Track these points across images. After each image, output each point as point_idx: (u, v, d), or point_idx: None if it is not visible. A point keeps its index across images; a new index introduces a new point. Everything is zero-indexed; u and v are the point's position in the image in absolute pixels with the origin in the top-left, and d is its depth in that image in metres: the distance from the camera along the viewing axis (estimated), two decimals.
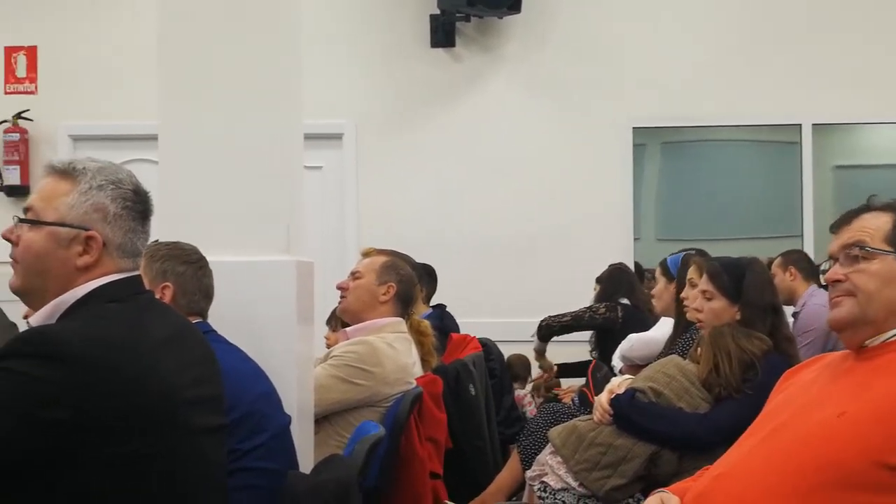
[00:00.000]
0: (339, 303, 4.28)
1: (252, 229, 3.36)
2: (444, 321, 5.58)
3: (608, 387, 3.98)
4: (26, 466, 2.00)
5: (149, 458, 2.05)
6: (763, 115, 7.54)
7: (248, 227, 3.37)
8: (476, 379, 4.85)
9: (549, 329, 6.43)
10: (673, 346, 4.61)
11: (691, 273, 4.35)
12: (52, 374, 1.97)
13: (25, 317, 3.19)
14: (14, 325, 4.06)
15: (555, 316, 6.41)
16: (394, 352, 3.94)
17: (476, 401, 4.79)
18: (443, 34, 7.50)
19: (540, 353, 6.57)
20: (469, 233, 7.48)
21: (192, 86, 3.40)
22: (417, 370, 4.13)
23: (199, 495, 2.20)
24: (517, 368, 6.58)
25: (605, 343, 6.10)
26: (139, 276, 2.29)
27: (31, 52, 7.74)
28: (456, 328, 5.77)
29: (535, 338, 6.53)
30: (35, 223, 2.20)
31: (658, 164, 7.84)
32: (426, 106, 7.59)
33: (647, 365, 4.37)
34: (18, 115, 7.60)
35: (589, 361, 6.20)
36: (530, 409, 6.23)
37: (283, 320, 3.32)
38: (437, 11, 7.44)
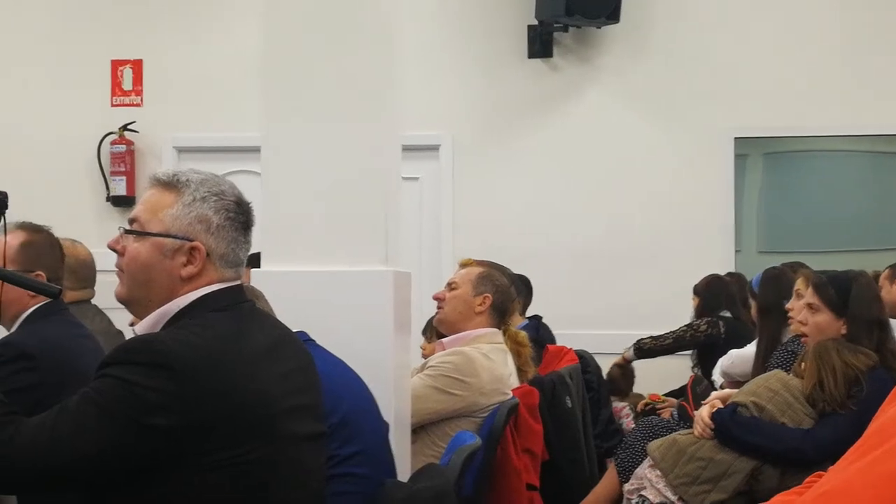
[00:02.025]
0: (436, 313, 4.29)
1: (351, 240, 3.40)
2: (540, 332, 5.57)
3: (708, 401, 3.94)
4: (128, 472, 2.04)
5: (248, 465, 2.07)
6: (868, 126, 7.37)
7: (346, 238, 3.40)
8: (573, 391, 4.82)
9: (651, 352, 6.37)
10: (766, 361, 4.54)
11: (798, 284, 4.28)
12: (157, 382, 2.01)
13: (131, 324, 3.27)
14: (120, 333, 4.15)
15: (656, 337, 6.34)
16: (490, 362, 3.94)
17: (572, 413, 4.77)
18: (540, 45, 7.48)
19: (626, 362, 6.50)
20: (566, 244, 7.44)
21: (293, 98, 3.45)
22: (514, 381, 4.12)
23: (297, 501, 2.22)
24: (617, 381, 6.52)
25: (708, 357, 6.01)
26: (241, 285, 2.32)
27: (137, 65, 7.91)
28: (552, 339, 5.75)
29: (631, 351, 6.46)
30: (140, 234, 2.24)
31: (760, 175, 7.72)
32: (523, 117, 7.57)
33: (747, 380, 4.31)
34: (125, 128, 7.77)
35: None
36: (627, 422, 6.17)
37: (380, 330, 3.34)
38: (535, 22, 7.43)
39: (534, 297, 6.07)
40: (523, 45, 7.52)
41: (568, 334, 6.16)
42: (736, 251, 7.46)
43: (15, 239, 3.21)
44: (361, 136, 3.43)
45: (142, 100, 7.89)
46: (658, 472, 3.82)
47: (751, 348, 5.12)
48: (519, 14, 7.49)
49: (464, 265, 4.46)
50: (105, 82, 7.87)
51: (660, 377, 6.70)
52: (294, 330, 2.91)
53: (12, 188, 2.31)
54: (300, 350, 2.41)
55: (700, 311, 6.31)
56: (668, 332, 6.32)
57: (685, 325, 6.27)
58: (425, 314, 5.05)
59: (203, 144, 7.75)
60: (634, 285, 7.35)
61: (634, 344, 6.45)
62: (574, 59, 7.55)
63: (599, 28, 7.41)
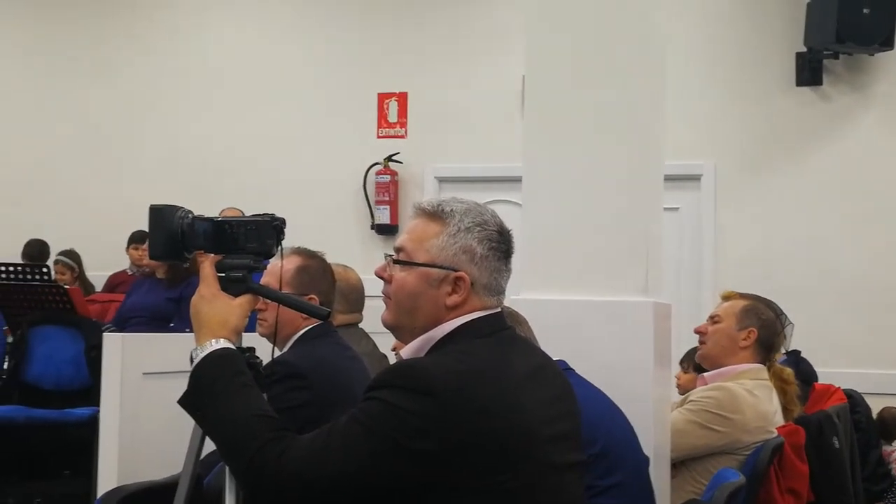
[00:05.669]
0: (698, 348, 4.21)
1: (611, 269, 3.39)
2: (800, 367, 5.35)
3: None
4: (390, 493, 2.07)
5: (510, 493, 2.08)
6: None
7: (607, 268, 3.39)
8: (840, 431, 4.64)
9: None
10: None
11: None
12: (421, 407, 2.04)
13: (394, 349, 3.35)
14: (384, 357, 4.27)
15: None
16: (754, 399, 3.83)
17: (840, 454, 4.59)
18: (809, 72, 7.28)
19: None
20: (835, 278, 7.15)
21: (555, 129, 3.47)
22: (779, 419, 3.99)
23: None
24: (890, 424, 6.19)
25: None
26: (501, 312, 2.34)
27: (402, 98, 8.17)
28: (813, 374, 5.51)
29: None
30: (407, 264, 2.29)
31: None
32: (790, 147, 7.35)
33: None
34: (389, 158, 8.04)
35: None
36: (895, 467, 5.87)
37: (640, 362, 3.31)
38: (804, 49, 7.23)
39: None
40: (791, 73, 7.32)
41: (835, 373, 5.91)
42: None
43: (291, 263, 3.36)
44: (623, 165, 3.42)
45: (406, 131, 8.13)
46: None
47: None
48: (787, 41, 7.30)
49: (726, 298, 4.34)
50: (372, 114, 8.17)
51: None
52: (553, 358, 2.93)
53: (286, 214, 2.41)
54: (560, 377, 2.40)
55: None
56: None
57: None
58: (683, 347, 4.95)
59: (463, 175, 7.92)
60: None
61: None
62: (845, 87, 7.28)
63: (872, 55, 7.15)
